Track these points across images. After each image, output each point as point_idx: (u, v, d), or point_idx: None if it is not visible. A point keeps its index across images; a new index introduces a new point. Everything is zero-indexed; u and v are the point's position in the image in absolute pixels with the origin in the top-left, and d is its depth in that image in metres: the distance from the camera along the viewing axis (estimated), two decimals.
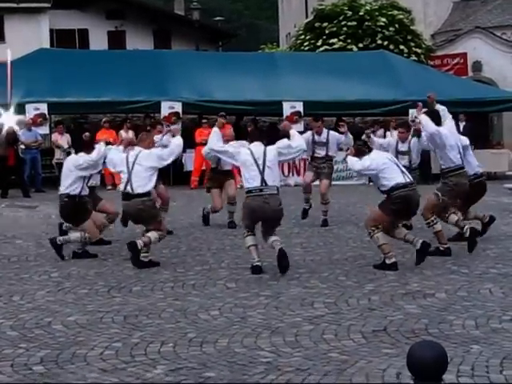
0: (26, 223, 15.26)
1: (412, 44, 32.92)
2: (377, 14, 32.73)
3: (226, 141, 11.76)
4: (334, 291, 8.87)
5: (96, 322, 7.70)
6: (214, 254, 11.42)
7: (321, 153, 14.56)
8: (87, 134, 13.36)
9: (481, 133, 26.38)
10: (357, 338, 7.02)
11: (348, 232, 13.48)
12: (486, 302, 8.25)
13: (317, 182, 14.70)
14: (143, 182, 10.47)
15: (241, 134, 25.15)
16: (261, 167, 9.90)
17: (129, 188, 10.46)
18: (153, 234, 10.45)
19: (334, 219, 14.68)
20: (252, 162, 9.95)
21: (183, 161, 22.78)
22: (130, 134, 20.86)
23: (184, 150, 17.20)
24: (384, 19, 32.47)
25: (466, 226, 11.22)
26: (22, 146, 22.54)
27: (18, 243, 12.68)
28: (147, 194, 10.50)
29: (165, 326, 7.53)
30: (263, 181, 9.85)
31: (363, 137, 13.55)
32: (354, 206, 17.32)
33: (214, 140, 10.84)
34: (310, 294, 8.77)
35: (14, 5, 40.32)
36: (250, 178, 9.92)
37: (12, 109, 21.66)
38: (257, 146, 10.16)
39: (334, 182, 22.26)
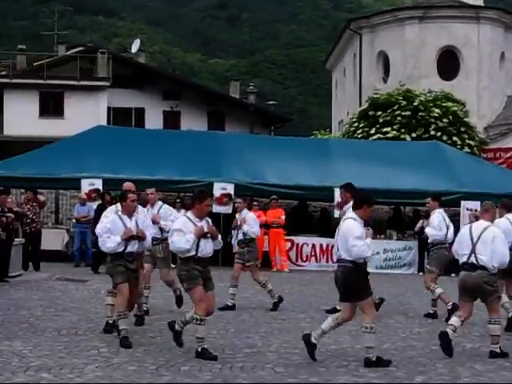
0: (76, 297, 15.36)
1: (465, 136, 33.01)
2: (431, 105, 32.98)
3: None
4: (383, 381, 8.76)
5: None
6: (262, 337, 11.36)
7: None
8: None
9: None
10: None
11: (397, 321, 13.35)
12: None
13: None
14: None
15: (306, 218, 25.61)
16: None
17: None
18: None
19: (383, 308, 14.55)
20: None
21: (232, 242, 22.73)
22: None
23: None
24: (438, 110, 32.70)
25: None
26: (74, 220, 23.01)
27: (67, 317, 12.75)
28: None
29: None
30: None
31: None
32: (404, 296, 17.15)
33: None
34: (358, 383, 8.67)
35: (75, 82, 41.48)
36: None
37: None
38: None
39: (383, 271, 22.34)
